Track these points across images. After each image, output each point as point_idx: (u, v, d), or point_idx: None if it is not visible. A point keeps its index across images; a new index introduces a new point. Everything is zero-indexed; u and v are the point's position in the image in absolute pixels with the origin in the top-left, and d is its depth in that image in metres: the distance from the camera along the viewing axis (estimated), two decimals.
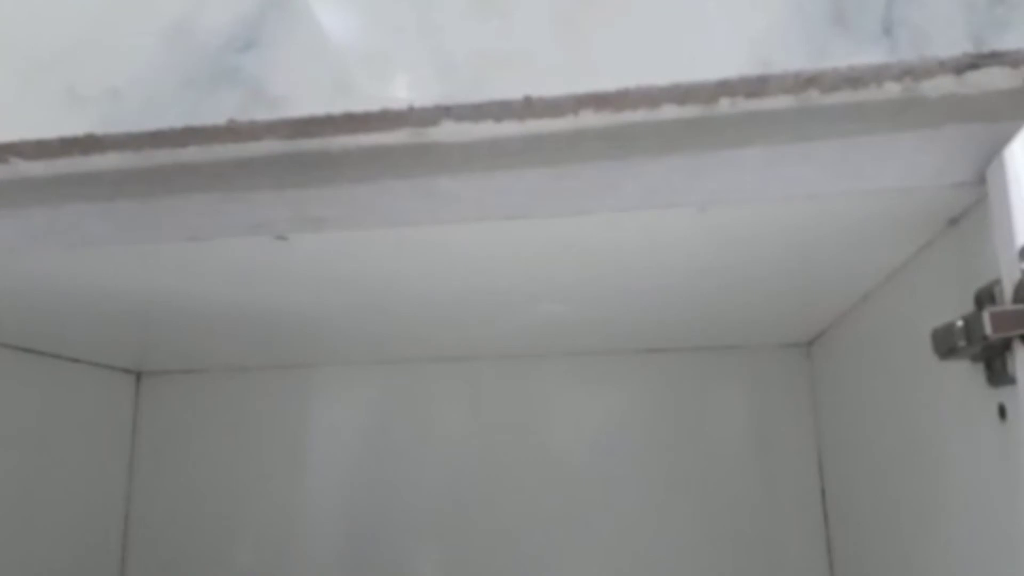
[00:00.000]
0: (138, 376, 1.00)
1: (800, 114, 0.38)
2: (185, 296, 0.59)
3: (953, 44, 0.35)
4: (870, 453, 0.67)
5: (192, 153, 0.39)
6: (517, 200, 0.39)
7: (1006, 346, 0.40)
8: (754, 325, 0.79)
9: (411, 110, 0.36)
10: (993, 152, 0.39)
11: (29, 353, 0.82)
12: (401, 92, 0.36)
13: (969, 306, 0.44)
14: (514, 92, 0.35)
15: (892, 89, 0.37)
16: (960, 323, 0.42)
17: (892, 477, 0.61)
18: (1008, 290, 0.39)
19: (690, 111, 0.37)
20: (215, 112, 0.38)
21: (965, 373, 0.47)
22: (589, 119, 0.36)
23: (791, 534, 0.84)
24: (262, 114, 0.37)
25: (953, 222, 0.48)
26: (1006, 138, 0.38)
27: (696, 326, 0.79)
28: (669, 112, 0.37)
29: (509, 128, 0.37)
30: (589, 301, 0.65)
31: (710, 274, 0.58)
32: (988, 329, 0.38)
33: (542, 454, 0.90)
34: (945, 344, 0.44)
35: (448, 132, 0.37)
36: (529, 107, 0.36)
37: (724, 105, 0.37)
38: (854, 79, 0.37)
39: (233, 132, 0.38)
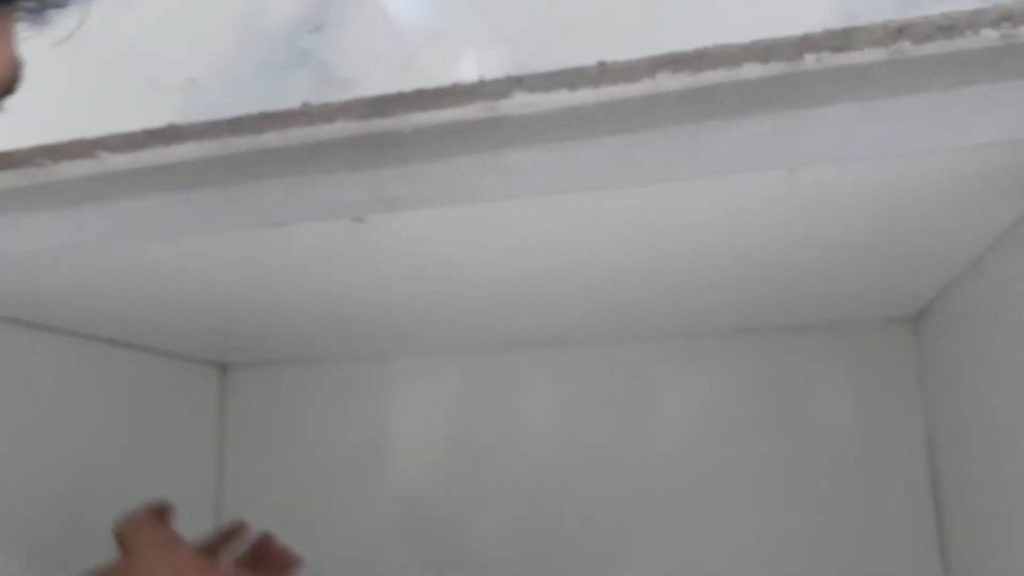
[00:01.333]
0: (224, 368, 1.01)
1: (891, 67, 0.36)
2: (265, 286, 0.60)
3: None
4: (985, 437, 0.63)
5: (269, 139, 0.40)
6: (594, 170, 0.38)
7: None
8: (854, 299, 0.76)
9: (482, 83, 0.36)
10: None
11: (117, 346, 0.83)
12: (471, 65, 0.35)
13: None
14: (587, 58, 0.35)
15: (989, 36, 0.35)
16: None
17: (1009, 463, 0.58)
18: None
19: (773, 69, 0.36)
20: (289, 96, 0.38)
21: None
22: (667, 82, 0.35)
23: (899, 528, 0.79)
24: (334, 95, 0.37)
25: None
26: None
27: (790, 302, 0.76)
28: (751, 71, 0.36)
29: (583, 96, 0.36)
30: (674, 277, 0.64)
31: (802, 243, 0.56)
32: None
33: (631, 444, 0.88)
34: None
35: (520, 104, 0.36)
36: (603, 73, 0.35)
37: (809, 61, 0.36)
38: (947, 27, 0.35)
39: (307, 115, 0.38)
